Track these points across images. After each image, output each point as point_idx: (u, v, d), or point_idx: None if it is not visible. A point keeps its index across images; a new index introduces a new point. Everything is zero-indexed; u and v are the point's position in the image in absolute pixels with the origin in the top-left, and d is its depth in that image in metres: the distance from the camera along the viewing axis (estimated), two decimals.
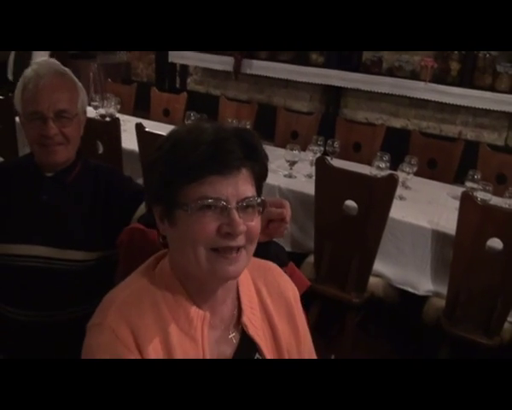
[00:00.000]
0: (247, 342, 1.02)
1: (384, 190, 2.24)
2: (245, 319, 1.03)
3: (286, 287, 1.12)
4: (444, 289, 2.32)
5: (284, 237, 2.56)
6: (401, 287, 2.46)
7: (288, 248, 2.61)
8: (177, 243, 0.95)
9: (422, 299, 2.44)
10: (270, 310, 1.07)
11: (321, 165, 2.37)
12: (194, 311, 0.97)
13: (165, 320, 0.95)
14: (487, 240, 2.17)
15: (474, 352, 2.32)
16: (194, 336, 0.96)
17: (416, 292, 2.42)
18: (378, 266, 2.42)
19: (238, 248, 0.93)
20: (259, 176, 0.97)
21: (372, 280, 2.45)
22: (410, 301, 2.47)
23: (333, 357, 2.61)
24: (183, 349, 0.94)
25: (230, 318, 1.03)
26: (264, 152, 0.99)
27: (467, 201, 2.14)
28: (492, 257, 2.18)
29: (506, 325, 2.27)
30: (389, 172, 2.46)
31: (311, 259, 2.57)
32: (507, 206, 2.56)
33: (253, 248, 0.97)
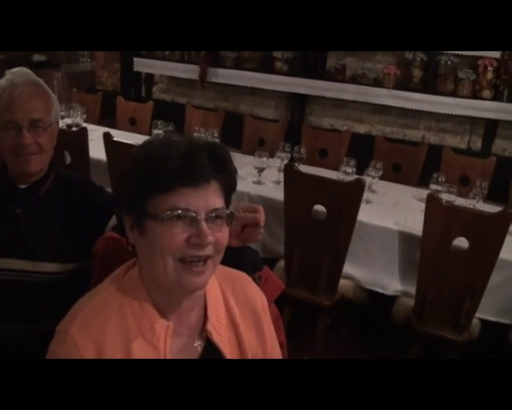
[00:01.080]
0: (211, 350, 1.03)
1: (351, 194, 2.28)
2: (210, 326, 1.04)
3: (254, 296, 1.13)
4: (412, 289, 2.38)
5: (255, 244, 2.61)
6: (370, 288, 2.51)
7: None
8: (146, 253, 0.97)
9: (392, 299, 2.49)
10: (236, 319, 1.08)
11: (289, 171, 2.41)
12: (159, 320, 0.99)
13: (130, 329, 0.97)
14: (453, 240, 2.24)
15: (444, 348, 2.39)
16: (157, 346, 0.97)
17: (385, 292, 2.48)
18: (347, 268, 2.47)
19: (206, 260, 0.95)
20: (228, 188, 1.00)
21: (342, 282, 2.49)
22: (380, 302, 2.52)
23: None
24: (145, 358, 0.96)
25: (196, 326, 1.04)
26: (234, 166, 1.02)
27: (432, 202, 2.21)
28: (459, 256, 2.25)
29: (474, 320, 2.35)
30: (356, 176, 2.51)
31: (281, 264, 2.60)
32: (471, 206, 2.65)
33: (219, 258, 0.99)
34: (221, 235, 0.96)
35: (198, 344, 1.04)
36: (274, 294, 1.40)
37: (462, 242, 2.24)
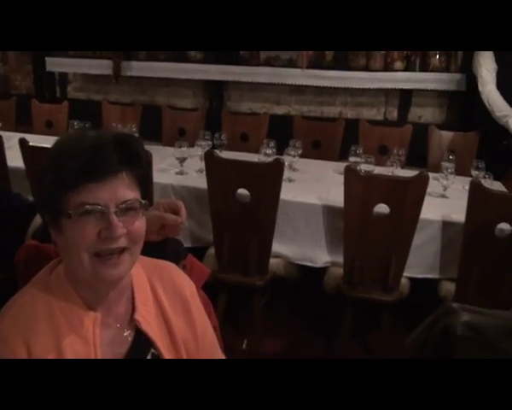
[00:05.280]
0: (141, 339, 1.05)
1: (272, 175, 2.32)
2: (138, 315, 1.05)
3: (182, 284, 1.15)
4: (340, 258, 2.46)
5: (183, 234, 2.60)
6: (300, 263, 2.58)
7: (188, 244, 2.63)
8: (64, 250, 0.98)
9: (322, 270, 2.57)
10: (165, 306, 1.10)
11: (209, 158, 2.41)
12: (86, 313, 0.99)
13: (59, 324, 0.97)
14: (374, 207, 2.33)
15: (376, 311, 2.49)
16: (87, 337, 0.98)
17: (315, 265, 2.56)
18: (276, 247, 2.51)
19: (122, 251, 0.96)
20: (142, 179, 1.01)
21: (273, 261, 2.54)
22: (311, 275, 2.59)
23: (245, 342, 2.68)
24: (75, 352, 0.96)
25: (125, 316, 1.05)
26: (146, 156, 1.02)
27: (350, 174, 2.28)
28: (381, 221, 2.35)
29: (403, 280, 2.47)
30: (275, 157, 2.55)
31: (212, 251, 2.61)
32: (390, 173, 2.76)
33: (138, 248, 1.00)
34: (135, 226, 0.97)
35: (128, 334, 1.05)
36: (201, 280, 1.41)
37: (382, 208, 2.34)
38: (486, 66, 3.43)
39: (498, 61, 3.40)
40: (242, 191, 2.42)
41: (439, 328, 1.30)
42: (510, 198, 2.36)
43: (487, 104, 3.40)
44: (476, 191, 2.24)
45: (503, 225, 2.29)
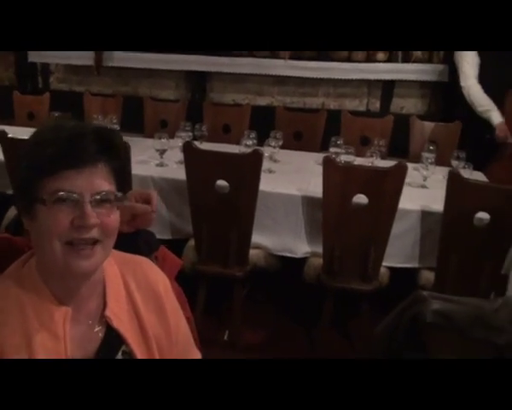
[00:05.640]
0: (112, 335, 1.04)
1: (251, 166, 2.32)
2: (109, 312, 1.04)
3: (156, 279, 1.14)
4: (320, 249, 2.47)
5: (163, 226, 2.60)
6: (280, 254, 2.58)
7: (168, 236, 2.63)
8: (37, 238, 0.96)
9: (303, 261, 2.57)
10: (137, 303, 1.09)
11: (188, 149, 2.40)
12: (57, 308, 0.98)
13: (29, 319, 0.96)
14: (352, 197, 2.33)
15: (355, 300, 2.51)
16: (57, 332, 0.97)
17: (295, 256, 2.56)
18: (257, 238, 2.51)
19: (94, 243, 0.95)
20: (119, 172, 1.00)
21: (253, 252, 2.54)
22: (292, 265, 2.60)
23: (227, 333, 2.68)
24: (45, 348, 0.95)
25: (96, 312, 1.04)
26: (125, 149, 1.02)
27: (328, 164, 2.29)
28: (359, 211, 2.36)
29: (383, 269, 2.49)
30: (255, 148, 2.55)
31: (191, 242, 2.60)
32: (370, 164, 2.77)
33: (110, 242, 0.99)
34: (109, 219, 0.96)
35: (99, 330, 1.03)
36: (173, 271, 1.41)
37: (361, 198, 2.34)
38: (468, 60, 3.44)
39: (481, 54, 3.41)
40: (221, 183, 2.41)
41: (409, 316, 1.31)
42: (488, 188, 2.38)
43: (468, 99, 3.43)
44: (454, 181, 2.26)
45: (482, 215, 2.31)
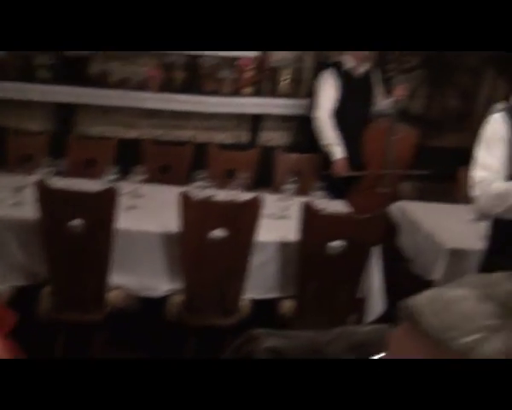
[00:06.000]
0: None
1: (105, 204, 2.26)
2: None
3: None
4: (181, 285, 2.44)
5: (16, 270, 2.43)
6: (140, 293, 2.52)
7: (22, 282, 2.47)
8: None
9: (165, 299, 2.53)
10: None
11: (41, 188, 2.28)
12: None
13: None
14: (210, 231, 2.35)
15: (218, 336, 2.49)
16: None
17: (155, 294, 2.51)
18: (116, 278, 2.43)
19: None
20: None
21: (112, 294, 2.46)
22: (153, 304, 2.55)
23: None
24: None
25: None
26: None
27: (184, 200, 2.29)
28: (218, 246, 2.38)
29: (244, 302, 2.52)
30: (111, 185, 2.47)
31: (48, 288, 2.46)
32: (232, 197, 2.80)
33: None
34: None
35: None
36: (10, 324, 1.34)
37: (221, 232, 2.37)
38: (325, 93, 3.63)
39: (342, 88, 3.60)
40: (76, 222, 2.32)
41: (242, 354, 1.31)
42: (338, 217, 2.52)
43: (315, 131, 3.62)
44: (306, 212, 2.36)
45: (335, 243, 2.42)
